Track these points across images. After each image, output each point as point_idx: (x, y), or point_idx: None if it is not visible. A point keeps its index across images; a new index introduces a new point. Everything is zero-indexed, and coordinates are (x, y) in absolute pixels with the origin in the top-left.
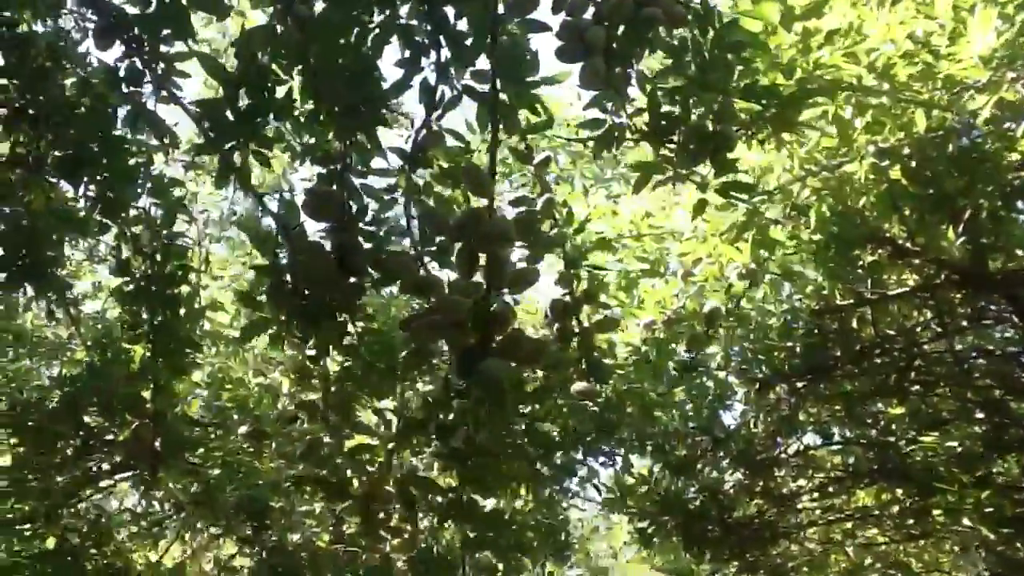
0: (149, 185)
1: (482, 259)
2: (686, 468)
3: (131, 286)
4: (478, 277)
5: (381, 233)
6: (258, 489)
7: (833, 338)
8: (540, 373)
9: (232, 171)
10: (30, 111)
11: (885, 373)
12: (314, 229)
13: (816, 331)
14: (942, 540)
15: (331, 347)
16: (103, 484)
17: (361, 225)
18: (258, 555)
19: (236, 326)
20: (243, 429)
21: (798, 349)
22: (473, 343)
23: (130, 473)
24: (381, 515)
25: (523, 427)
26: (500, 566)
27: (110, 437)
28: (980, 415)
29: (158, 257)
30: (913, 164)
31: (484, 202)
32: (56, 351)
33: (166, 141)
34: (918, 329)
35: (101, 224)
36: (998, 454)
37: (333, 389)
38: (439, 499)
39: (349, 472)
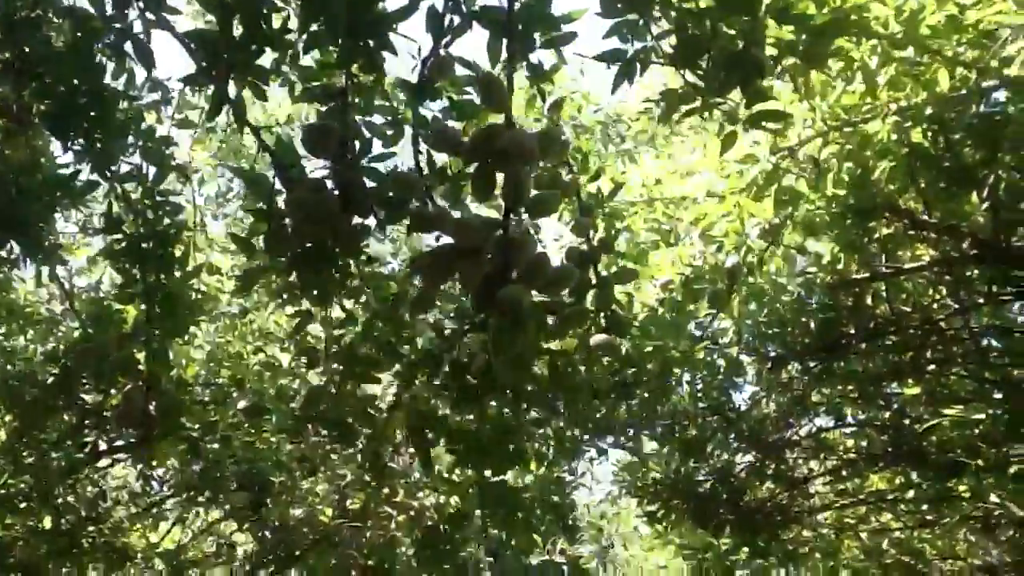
0: (140, 142)
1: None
2: (696, 450)
3: (122, 244)
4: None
5: (385, 171)
6: (259, 464)
7: (847, 314)
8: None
9: (226, 103)
10: (15, 64)
11: (900, 351)
12: (313, 170)
13: (831, 306)
14: (957, 526)
15: (333, 294)
16: (101, 464)
17: (364, 163)
18: (259, 533)
19: (235, 303)
20: (242, 404)
21: (812, 325)
22: (491, 272)
23: (127, 454)
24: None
25: (544, 367)
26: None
27: (107, 413)
28: (998, 395)
29: (150, 215)
30: (934, 129)
31: (501, 118)
32: (50, 328)
33: (159, 96)
34: (935, 306)
35: (90, 181)
36: (1016, 436)
37: (336, 332)
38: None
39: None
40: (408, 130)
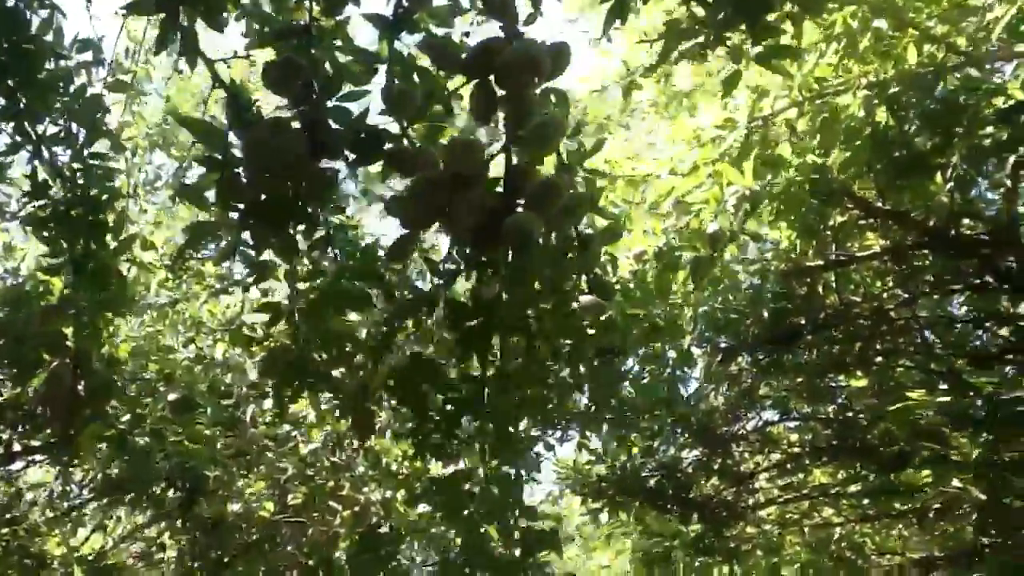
0: (69, 102)
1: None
2: (644, 444)
3: (48, 211)
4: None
5: (357, 112)
6: (191, 458)
7: (799, 304)
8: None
9: (175, 30)
10: None
11: (849, 342)
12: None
13: (784, 295)
14: (895, 520)
15: (295, 247)
16: (15, 467)
17: (333, 103)
18: (191, 534)
19: (164, 292)
20: (172, 396)
21: (765, 315)
22: (492, 204)
23: (44, 454)
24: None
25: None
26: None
27: (24, 408)
28: (943, 386)
29: (80, 179)
30: (894, 110)
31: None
32: None
33: (90, 57)
34: (884, 296)
35: (12, 143)
36: (957, 429)
37: (303, 287)
38: (451, 392)
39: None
40: (382, 68)
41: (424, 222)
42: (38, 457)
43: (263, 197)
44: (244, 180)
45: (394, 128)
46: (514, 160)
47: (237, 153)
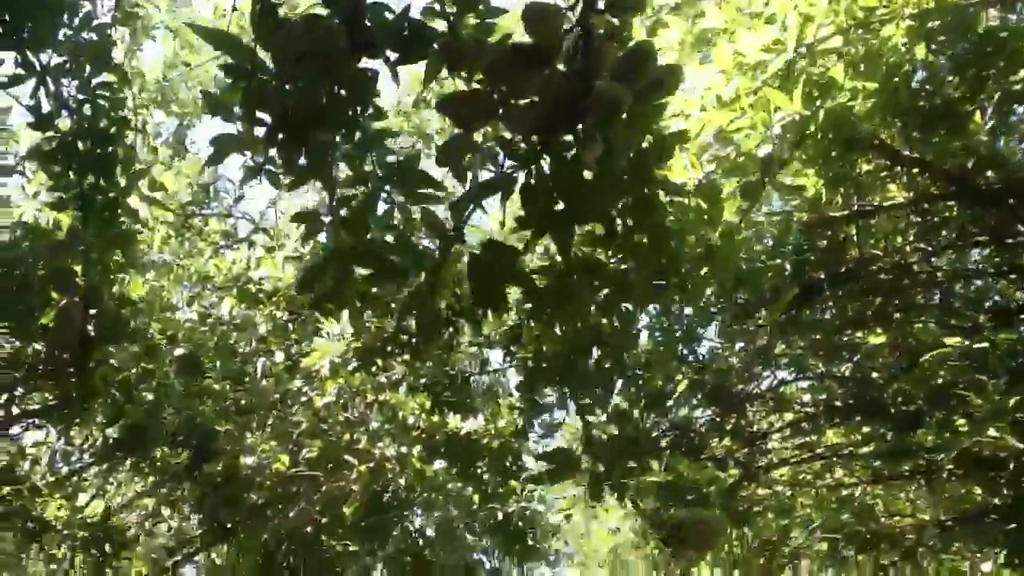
0: (74, 33)
1: None
2: (657, 404)
3: (54, 144)
4: None
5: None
6: (200, 414)
7: (821, 257)
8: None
9: None
10: None
11: (870, 296)
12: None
13: (806, 248)
14: (907, 482)
15: (329, 158)
16: (13, 432)
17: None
18: (199, 490)
19: (170, 248)
20: (178, 352)
21: (788, 268)
22: (568, 83)
23: (45, 418)
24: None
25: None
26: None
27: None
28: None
29: (87, 111)
30: (932, 49)
31: None
32: None
33: None
34: (907, 248)
35: (14, 75)
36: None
37: (342, 194)
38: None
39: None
40: None
41: (481, 119)
42: (38, 421)
43: (294, 106)
44: (272, 90)
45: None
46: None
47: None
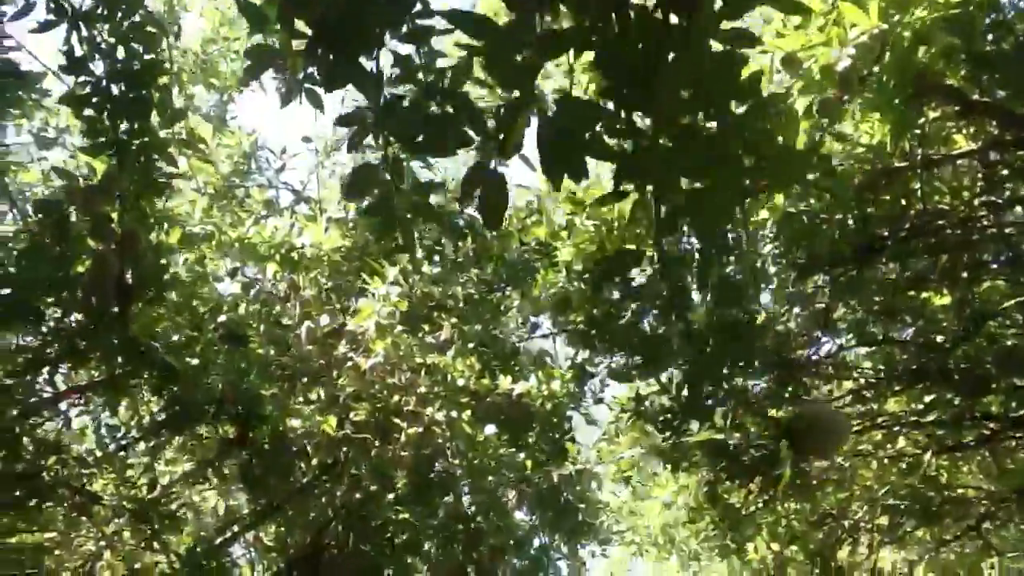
0: None
1: None
2: (712, 371)
3: (87, 88)
4: None
5: None
6: (245, 378)
7: (884, 211)
8: None
9: None
10: None
11: (936, 253)
12: None
13: (869, 201)
14: (973, 452)
15: (370, 73)
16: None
17: None
18: (245, 456)
19: (209, 220)
20: (222, 318)
21: (850, 222)
22: None
23: (91, 392)
24: None
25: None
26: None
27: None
28: None
29: (120, 53)
30: None
31: None
32: None
33: None
34: (974, 202)
35: (46, 21)
36: None
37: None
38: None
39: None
40: None
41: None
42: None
43: (333, 11)
44: None
45: None
46: None
47: None
